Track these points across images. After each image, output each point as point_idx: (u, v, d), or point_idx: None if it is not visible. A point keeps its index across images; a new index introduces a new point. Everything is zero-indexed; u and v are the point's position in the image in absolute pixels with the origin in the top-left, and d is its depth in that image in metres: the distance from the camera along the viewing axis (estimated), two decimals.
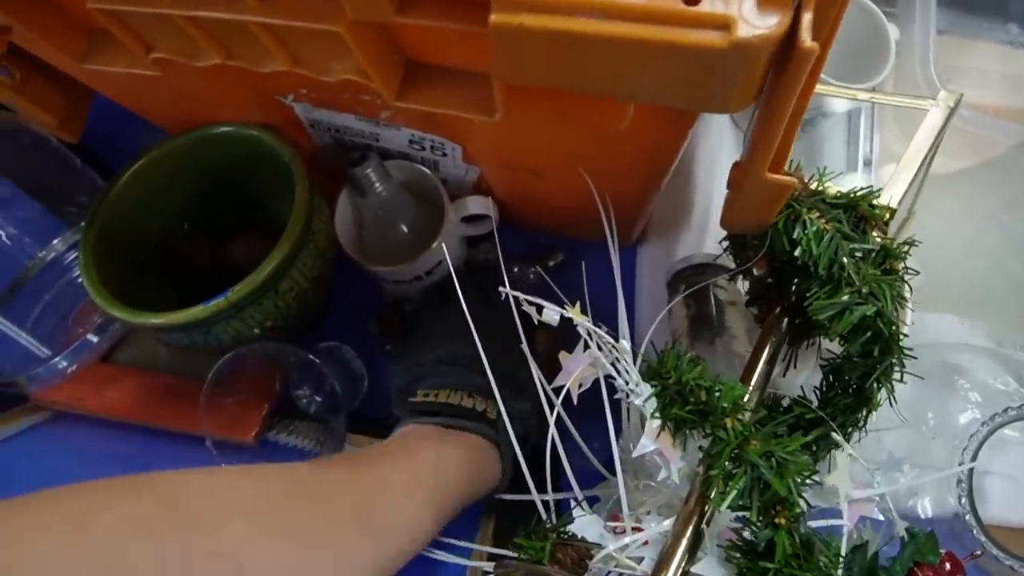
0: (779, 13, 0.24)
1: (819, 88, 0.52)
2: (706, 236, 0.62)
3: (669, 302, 0.59)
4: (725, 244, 0.47)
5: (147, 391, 0.56)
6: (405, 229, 0.57)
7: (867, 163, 0.62)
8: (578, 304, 0.37)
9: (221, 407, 0.53)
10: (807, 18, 0.24)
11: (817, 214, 0.39)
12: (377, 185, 0.53)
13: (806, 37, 0.24)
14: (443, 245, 0.54)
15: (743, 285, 0.54)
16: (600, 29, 0.25)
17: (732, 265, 0.50)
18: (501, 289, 0.38)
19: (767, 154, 0.32)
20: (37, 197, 0.52)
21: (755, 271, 0.45)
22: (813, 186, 0.42)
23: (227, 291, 0.43)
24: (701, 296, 0.56)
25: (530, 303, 0.38)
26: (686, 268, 0.57)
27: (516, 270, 0.64)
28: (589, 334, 0.37)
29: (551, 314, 0.36)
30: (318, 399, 0.59)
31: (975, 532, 0.50)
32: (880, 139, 0.64)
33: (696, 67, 0.26)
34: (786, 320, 0.41)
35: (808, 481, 0.34)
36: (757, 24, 0.24)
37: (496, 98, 0.32)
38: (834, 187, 0.42)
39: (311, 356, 0.52)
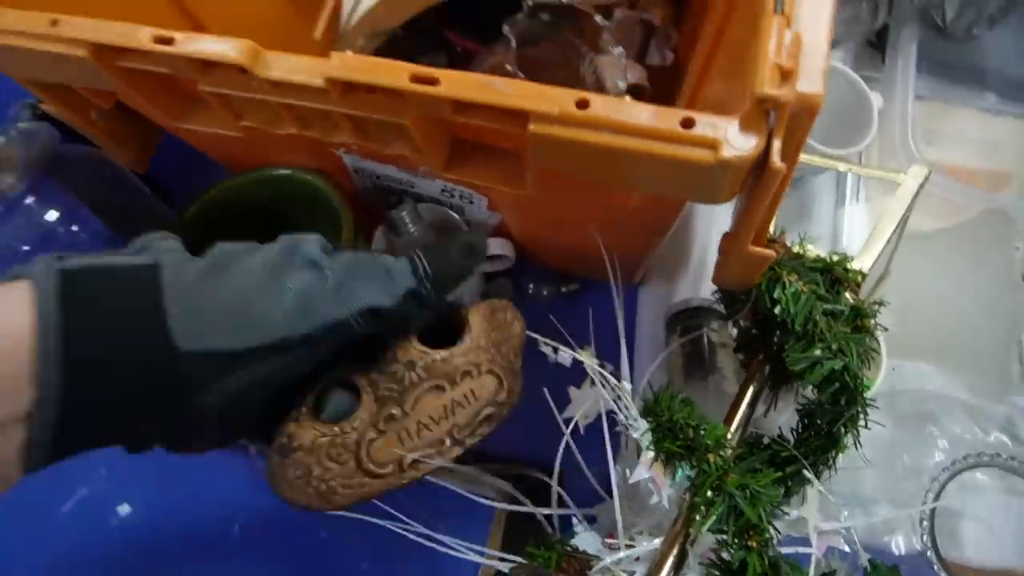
0: (755, 138, 0.31)
1: (804, 158, 0.58)
2: (702, 281, 0.69)
3: (667, 340, 0.65)
4: (717, 294, 0.53)
5: None
6: None
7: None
8: (590, 347, 0.44)
9: None
10: (776, 145, 0.30)
11: (795, 277, 0.45)
12: (410, 226, 0.59)
13: (776, 159, 0.30)
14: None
15: (734, 330, 0.60)
16: (613, 142, 0.32)
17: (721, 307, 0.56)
18: (529, 333, 0.45)
19: (749, 232, 0.38)
20: (113, 227, 0.58)
21: (742, 321, 0.51)
22: (796, 249, 0.48)
23: None
24: (696, 336, 0.62)
25: (546, 343, 0.44)
26: (683, 310, 0.64)
27: (532, 287, 0.71)
28: (599, 374, 0.43)
29: (565, 356, 0.43)
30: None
31: (936, 568, 0.56)
32: (865, 193, 0.70)
33: (689, 174, 0.32)
34: (768, 366, 0.47)
35: (778, 511, 0.40)
36: (737, 146, 0.30)
37: (528, 176, 0.38)
38: (814, 250, 0.49)
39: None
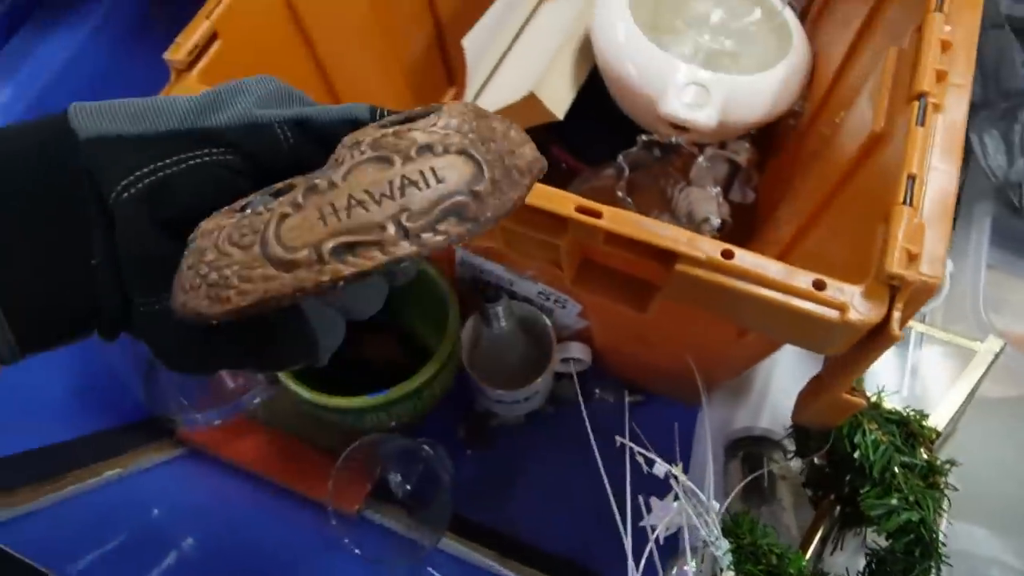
0: (880, 307, 0.35)
1: None
2: (762, 410, 0.72)
3: (726, 463, 0.68)
4: (788, 427, 0.57)
5: (274, 449, 0.66)
6: (513, 357, 0.67)
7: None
8: (680, 465, 0.47)
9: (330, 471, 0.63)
10: (897, 316, 0.35)
11: (875, 426, 0.48)
12: (502, 321, 0.63)
13: (896, 328, 0.34)
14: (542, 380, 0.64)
15: (795, 462, 0.63)
16: (750, 291, 0.36)
17: (787, 442, 0.60)
18: (619, 438, 0.48)
19: (848, 382, 0.42)
20: None
21: (815, 459, 0.54)
22: (872, 398, 0.51)
23: (386, 391, 0.54)
24: (755, 464, 0.65)
25: (642, 454, 0.47)
26: (746, 437, 0.67)
27: (598, 392, 0.74)
28: (688, 491, 0.46)
29: (660, 469, 0.46)
30: (408, 487, 0.67)
31: None
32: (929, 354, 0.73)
33: (812, 328, 0.36)
34: (839, 507, 0.50)
35: None
36: (863, 312, 0.35)
37: (654, 303, 0.43)
38: (888, 402, 0.52)
39: (424, 447, 0.61)
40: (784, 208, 0.66)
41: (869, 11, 0.56)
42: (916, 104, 0.38)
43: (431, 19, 0.75)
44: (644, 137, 0.63)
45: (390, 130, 0.25)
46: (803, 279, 0.36)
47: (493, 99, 0.77)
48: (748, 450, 0.66)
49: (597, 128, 0.76)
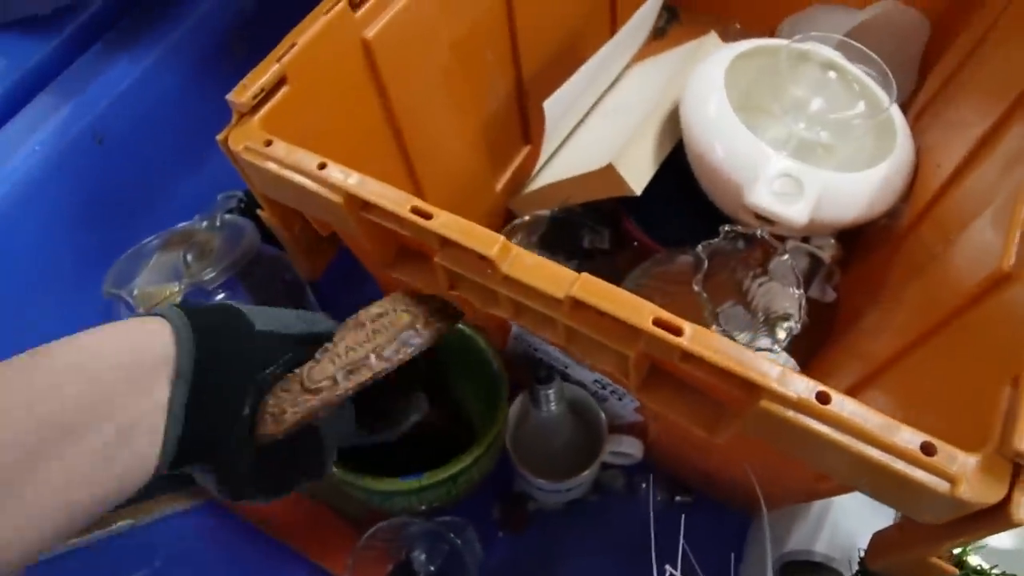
0: (999, 486, 0.30)
1: None
2: (822, 531, 0.65)
3: None
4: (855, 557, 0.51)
5: (298, 513, 0.62)
6: (559, 442, 0.63)
7: None
8: None
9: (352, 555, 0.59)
10: (1020, 499, 0.29)
11: None
12: (553, 404, 0.59)
13: (1017, 513, 0.29)
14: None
15: None
16: (844, 442, 0.31)
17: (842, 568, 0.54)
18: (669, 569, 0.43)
19: (940, 551, 0.36)
20: None
21: None
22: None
23: (422, 475, 0.50)
24: None
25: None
26: (801, 561, 0.60)
27: (644, 486, 0.69)
28: None
29: None
30: (431, 568, 0.63)
31: None
32: None
33: (913, 494, 0.31)
34: None
35: None
36: (978, 489, 0.30)
37: (726, 430, 0.38)
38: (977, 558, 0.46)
39: (452, 533, 0.57)
40: (873, 317, 0.60)
41: (992, 124, 0.51)
42: None
43: (513, 73, 0.73)
44: (728, 227, 0.58)
45: (361, 313, 0.44)
46: (909, 437, 0.31)
47: (568, 164, 0.74)
48: (802, 574, 0.60)
49: (674, 206, 0.72)
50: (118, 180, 0.61)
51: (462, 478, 0.52)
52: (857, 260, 0.75)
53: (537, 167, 0.76)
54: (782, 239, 0.71)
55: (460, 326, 0.60)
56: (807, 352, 0.70)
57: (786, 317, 0.62)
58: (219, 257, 0.56)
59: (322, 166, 0.42)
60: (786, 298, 0.63)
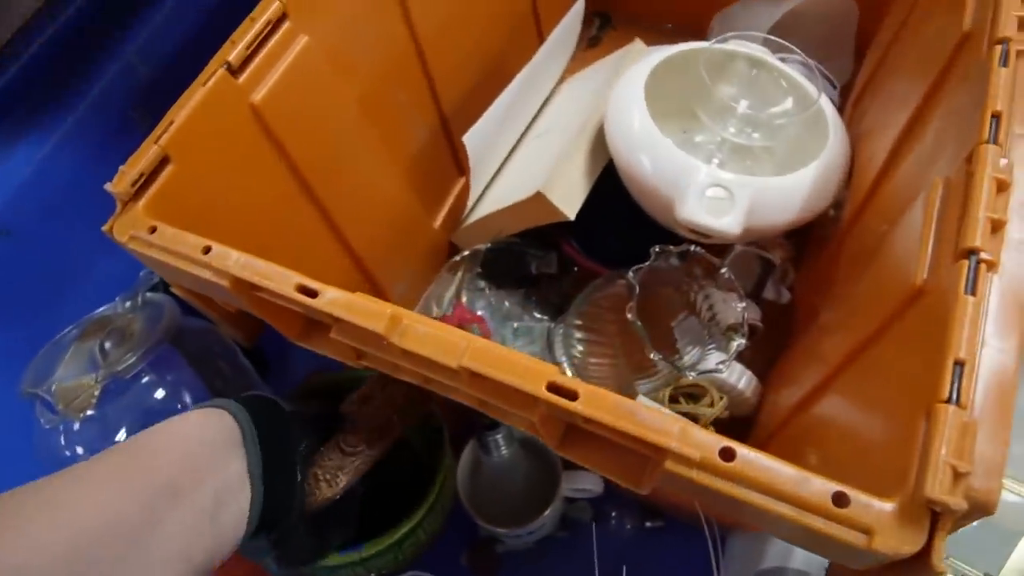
0: (917, 534, 0.28)
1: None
2: (796, 549, 0.64)
3: None
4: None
5: None
6: (516, 486, 0.61)
7: None
8: None
9: None
10: (940, 547, 0.27)
11: None
12: (503, 449, 0.57)
13: (936, 562, 0.27)
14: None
15: None
16: (753, 500, 0.30)
17: None
18: None
19: None
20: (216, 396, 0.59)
21: None
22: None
23: (361, 547, 0.48)
24: None
25: None
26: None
27: (614, 515, 0.67)
28: None
29: None
30: None
31: None
32: None
33: (833, 546, 0.29)
34: None
35: None
36: (894, 540, 0.28)
37: (646, 483, 0.36)
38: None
39: None
40: (828, 314, 0.58)
41: (913, 113, 0.49)
42: (964, 264, 0.32)
43: (434, 108, 0.71)
44: (657, 248, 0.56)
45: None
46: (820, 488, 0.29)
47: (500, 195, 0.72)
48: None
49: (613, 224, 0.70)
50: (30, 272, 0.59)
51: (407, 542, 0.50)
52: (809, 256, 0.73)
53: (470, 201, 0.74)
54: (726, 247, 0.69)
55: None
56: (769, 357, 0.68)
57: (735, 328, 0.60)
58: (140, 341, 0.54)
59: (206, 250, 0.40)
60: (732, 312, 0.61)
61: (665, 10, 0.91)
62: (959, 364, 0.29)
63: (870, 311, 0.45)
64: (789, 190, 0.59)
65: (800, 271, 0.73)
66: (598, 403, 0.32)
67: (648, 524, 0.66)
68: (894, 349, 0.40)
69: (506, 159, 0.78)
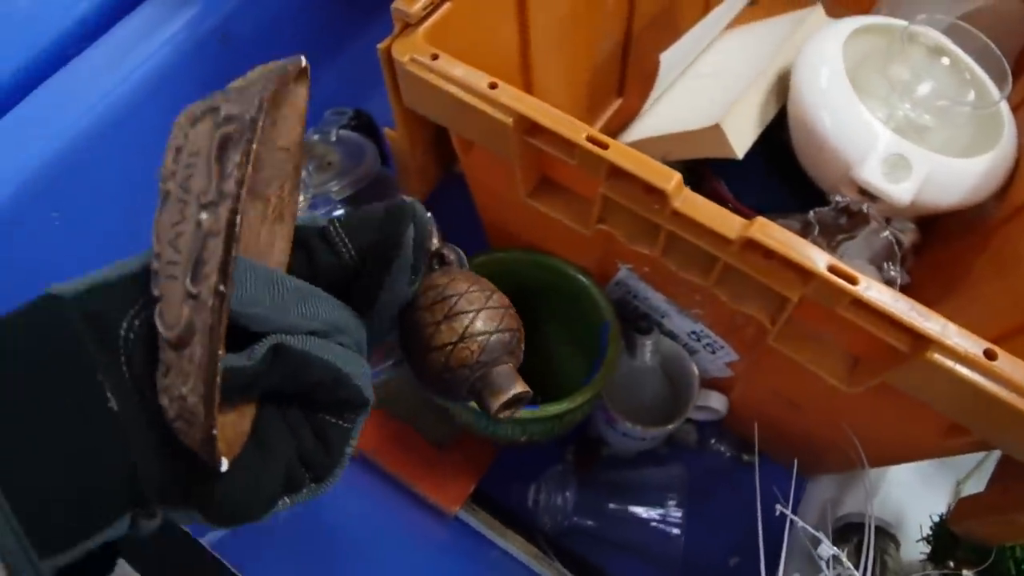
0: None
1: None
2: (875, 496, 0.68)
3: (833, 544, 0.64)
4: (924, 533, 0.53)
5: (383, 431, 0.64)
6: (648, 393, 0.65)
7: None
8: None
9: (438, 467, 0.61)
10: None
11: None
12: (648, 354, 0.61)
13: None
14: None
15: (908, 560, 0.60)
16: (1007, 399, 0.33)
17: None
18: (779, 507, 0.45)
19: None
20: None
21: (963, 571, 0.51)
22: None
23: (537, 406, 0.51)
24: (862, 552, 0.61)
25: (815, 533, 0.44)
26: (860, 523, 0.63)
27: (713, 441, 0.71)
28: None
29: (825, 551, 0.43)
30: None
31: None
32: None
33: None
34: None
35: None
36: None
37: (868, 380, 0.40)
38: None
39: None
40: (946, 307, 0.62)
41: None
42: None
43: (624, 26, 0.73)
44: (839, 198, 0.60)
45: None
46: None
47: (668, 121, 0.75)
48: (861, 537, 0.62)
49: (764, 175, 0.73)
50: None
51: (567, 417, 0.54)
52: (933, 248, 0.76)
53: (637, 117, 0.76)
54: (860, 220, 0.73)
55: (577, 276, 0.60)
56: None
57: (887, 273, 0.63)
58: (342, 172, 0.57)
59: (493, 86, 0.43)
60: (865, 254, 0.65)
61: None
62: None
63: (1003, 315, 0.49)
64: (963, 172, 0.62)
65: (920, 259, 0.76)
66: (878, 291, 0.35)
67: (745, 457, 0.70)
68: None
69: (667, 90, 0.80)
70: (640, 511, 0.62)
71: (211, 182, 0.23)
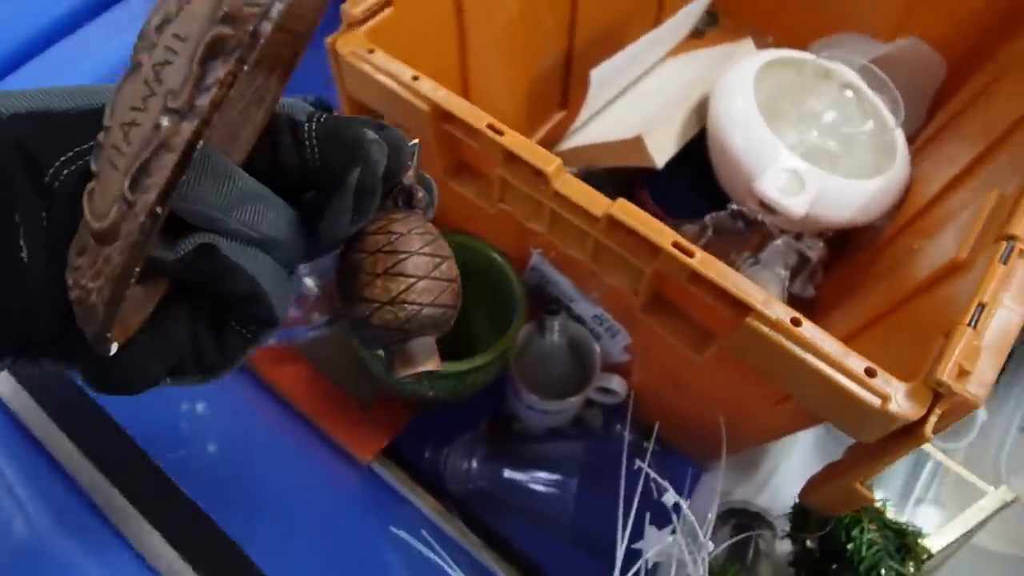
0: (919, 408, 0.38)
1: None
2: (765, 490, 0.74)
3: (715, 530, 0.70)
4: (786, 510, 0.59)
5: (309, 383, 0.69)
6: (556, 371, 0.71)
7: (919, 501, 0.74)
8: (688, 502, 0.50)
9: (358, 422, 0.67)
10: (932, 420, 0.38)
11: (875, 527, 0.51)
12: (556, 335, 0.67)
13: (928, 432, 0.38)
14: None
15: (781, 547, 0.66)
16: (806, 360, 0.40)
17: (779, 526, 0.62)
18: (638, 461, 0.51)
19: (867, 474, 0.45)
20: None
21: (808, 541, 0.57)
22: (877, 505, 0.54)
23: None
24: (745, 538, 0.67)
25: (657, 481, 0.50)
26: (741, 509, 0.69)
27: (618, 428, 0.77)
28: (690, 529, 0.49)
29: (670, 498, 0.49)
30: None
31: None
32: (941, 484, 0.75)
33: (853, 409, 0.40)
34: None
35: None
36: (903, 407, 0.38)
37: (711, 348, 0.46)
38: (890, 511, 0.55)
39: None
40: (843, 310, 0.69)
41: (976, 156, 0.59)
42: (1004, 244, 0.42)
43: (566, 43, 0.80)
44: (735, 206, 0.66)
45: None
46: (857, 363, 0.39)
47: (600, 131, 0.82)
48: (740, 521, 0.68)
49: (685, 185, 0.80)
50: None
51: (470, 377, 0.59)
52: (840, 263, 0.83)
53: (572, 128, 0.83)
54: (771, 236, 0.79)
55: (494, 256, 0.66)
56: None
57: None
58: None
59: (415, 78, 0.49)
60: (772, 283, 0.71)
61: (771, 23, 1.01)
62: (981, 306, 0.40)
63: (883, 303, 0.55)
64: (851, 193, 0.69)
65: (828, 274, 0.83)
66: (709, 264, 0.42)
67: (645, 444, 0.76)
68: (905, 321, 0.50)
69: (607, 105, 0.87)
70: (538, 479, 0.68)
71: (185, 85, 0.20)
